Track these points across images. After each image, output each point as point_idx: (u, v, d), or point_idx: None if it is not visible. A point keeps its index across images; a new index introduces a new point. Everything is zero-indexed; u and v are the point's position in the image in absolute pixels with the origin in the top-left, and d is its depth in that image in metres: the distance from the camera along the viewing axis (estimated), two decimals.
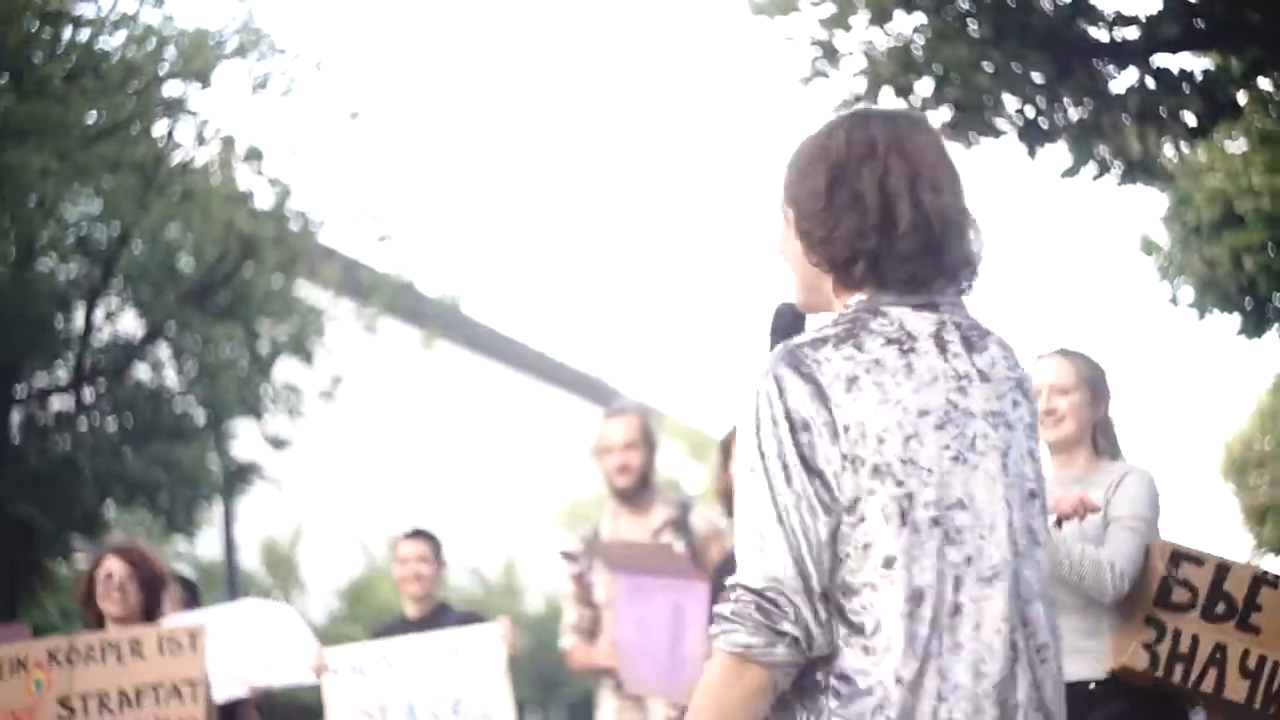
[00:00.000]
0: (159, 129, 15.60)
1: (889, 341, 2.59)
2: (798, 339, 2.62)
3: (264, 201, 16.47)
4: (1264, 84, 13.24)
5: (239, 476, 17.38)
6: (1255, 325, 15.78)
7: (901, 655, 2.50)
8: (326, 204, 17.78)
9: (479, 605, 30.81)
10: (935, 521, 2.52)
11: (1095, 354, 5.04)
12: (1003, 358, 2.68)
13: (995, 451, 2.59)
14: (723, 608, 2.59)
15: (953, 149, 2.79)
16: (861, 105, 2.74)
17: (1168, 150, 13.21)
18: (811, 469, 2.52)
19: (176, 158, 15.71)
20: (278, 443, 17.39)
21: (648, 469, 6.47)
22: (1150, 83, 11.75)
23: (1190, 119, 12.09)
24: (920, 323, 2.63)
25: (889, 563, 2.51)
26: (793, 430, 2.53)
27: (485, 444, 47.33)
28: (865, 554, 2.52)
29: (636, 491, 6.44)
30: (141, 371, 16.12)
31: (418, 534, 7.77)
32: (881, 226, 2.61)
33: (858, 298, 2.66)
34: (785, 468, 2.53)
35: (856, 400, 2.53)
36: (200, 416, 16.32)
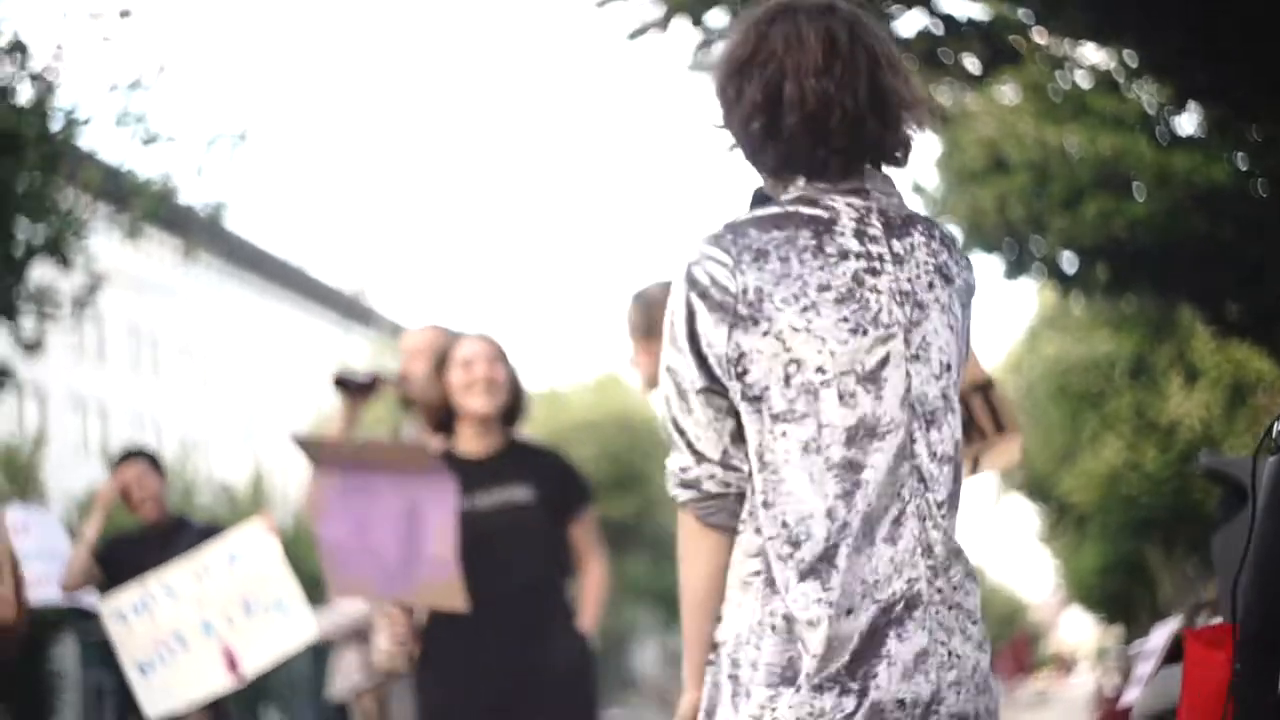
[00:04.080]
0: None
1: (808, 222, 2.76)
2: (737, 218, 2.80)
3: (25, 97, 15.93)
4: (1037, 35, 13.53)
5: None
6: (1016, 267, 16.25)
7: (804, 497, 2.70)
8: (91, 104, 17.27)
9: (226, 521, 30.42)
10: (825, 384, 2.70)
11: None
12: (924, 244, 2.83)
13: (899, 327, 2.75)
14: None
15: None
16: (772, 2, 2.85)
17: (944, 95, 13.44)
18: (697, 337, 2.74)
19: None
20: (30, 346, 16.88)
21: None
22: (935, 28, 11.92)
23: (974, 65, 12.32)
24: (846, 209, 2.79)
25: (776, 418, 2.71)
26: (690, 300, 2.74)
27: (238, 357, 46.63)
28: (755, 407, 2.72)
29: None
30: None
31: (131, 454, 7.71)
32: (765, 112, 2.77)
33: (796, 185, 2.82)
34: (674, 337, 2.76)
35: (760, 271, 2.71)
36: None
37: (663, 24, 11.64)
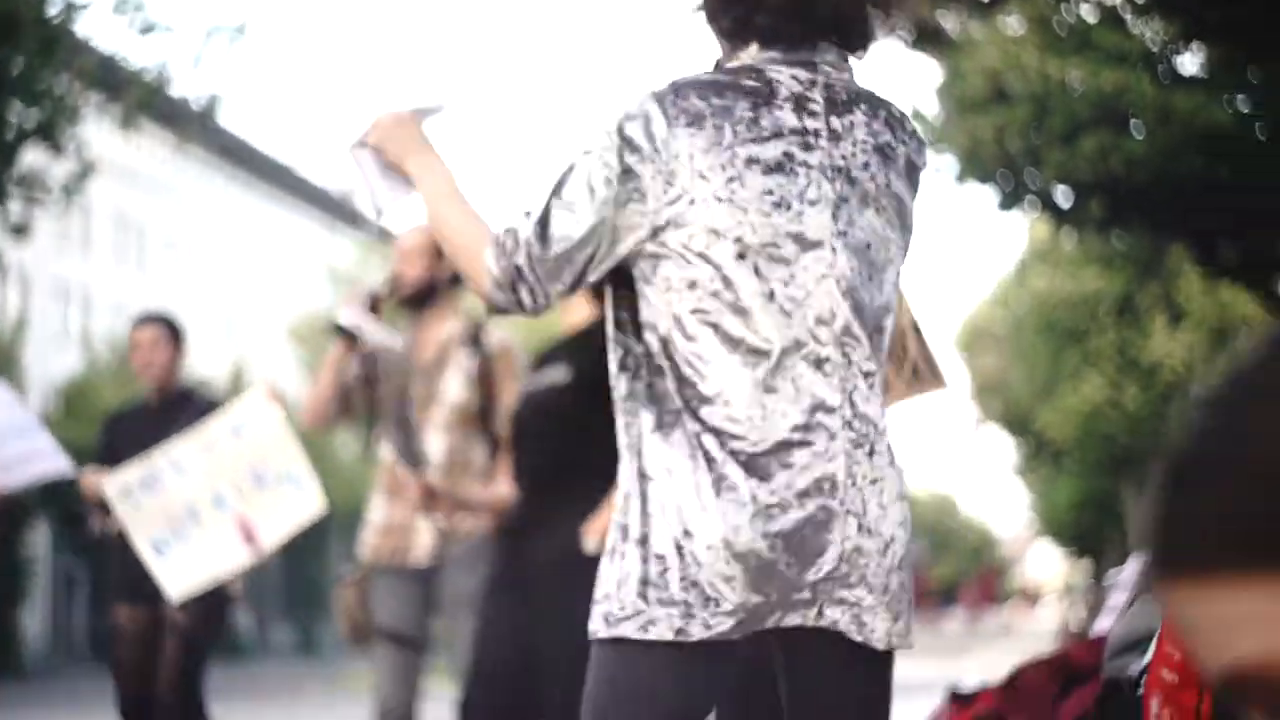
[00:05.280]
0: None
1: (746, 94, 2.72)
2: (682, 79, 2.75)
3: None
4: None
5: None
6: (1010, 199, 16.22)
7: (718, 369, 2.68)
8: None
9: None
10: (742, 255, 2.68)
11: None
12: (865, 123, 2.80)
13: (827, 202, 2.73)
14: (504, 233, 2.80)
15: None
16: None
17: (950, 21, 13.38)
18: (626, 180, 2.69)
19: None
20: (17, 229, 16.78)
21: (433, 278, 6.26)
22: None
23: None
24: (789, 82, 2.76)
25: (691, 285, 2.69)
26: (627, 144, 2.70)
27: (223, 252, 46.50)
28: (667, 272, 2.70)
29: (422, 299, 6.24)
30: None
31: (152, 319, 7.60)
32: None
33: (750, 52, 2.79)
34: (605, 166, 2.71)
35: (693, 136, 2.68)
36: None
37: None
